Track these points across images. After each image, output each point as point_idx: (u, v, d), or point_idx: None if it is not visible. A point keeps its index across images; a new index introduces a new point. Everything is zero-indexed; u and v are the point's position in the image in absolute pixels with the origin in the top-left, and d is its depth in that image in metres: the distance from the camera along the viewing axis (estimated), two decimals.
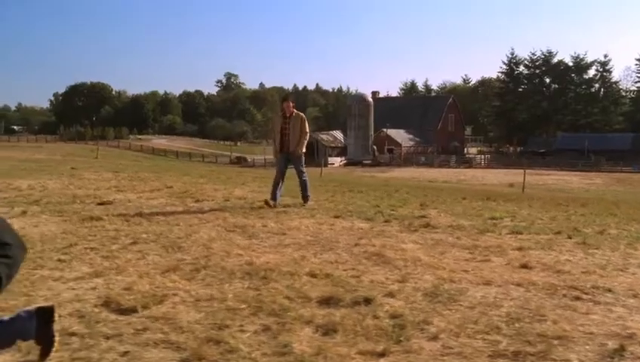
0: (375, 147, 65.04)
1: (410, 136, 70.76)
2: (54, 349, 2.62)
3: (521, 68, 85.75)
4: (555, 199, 12.65)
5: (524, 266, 4.50)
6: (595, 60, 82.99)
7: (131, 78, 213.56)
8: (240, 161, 62.83)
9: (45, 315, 2.62)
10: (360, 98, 68.17)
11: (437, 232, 6.12)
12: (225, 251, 4.84)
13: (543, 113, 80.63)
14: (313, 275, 4.08)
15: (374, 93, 77.39)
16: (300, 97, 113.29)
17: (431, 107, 76.61)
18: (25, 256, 2.50)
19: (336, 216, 7.11)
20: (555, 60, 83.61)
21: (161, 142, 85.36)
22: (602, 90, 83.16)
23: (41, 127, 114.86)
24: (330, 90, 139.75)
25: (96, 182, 11.56)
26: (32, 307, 2.68)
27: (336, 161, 59.81)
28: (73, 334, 2.90)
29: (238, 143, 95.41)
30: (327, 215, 7.25)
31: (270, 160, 53.41)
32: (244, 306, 3.37)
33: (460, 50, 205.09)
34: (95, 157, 33.49)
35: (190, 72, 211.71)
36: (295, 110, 8.47)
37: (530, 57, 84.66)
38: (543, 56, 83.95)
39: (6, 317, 2.56)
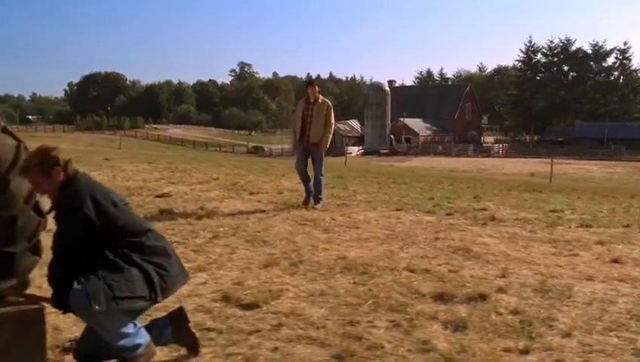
0: (392, 136, 64.79)
1: (428, 125, 70.41)
2: (200, 346, 2.67)
3: (539, 56, 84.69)
4: (599, 190, 12.57)
5: (616, 261, 4.51)
6: (615, 48, 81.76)
7: (145, 68, 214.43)
8: (257, 151, 62.96)
9: (178, 319, 2.66)
10: (377, 87, 67.73)
11: (507, 225, 6.13)
12: (311, 245, 4.89)
13: (561, 102, 79.67)
14: (411, 270, 4.11)
15: (390, 82, 76.92)
16: None
17: (447, 96, 76.08)
18: (184, 281, 2.60)
19: (398, 209, 7.13)
20: (573, 48, 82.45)
21: (176, 131, 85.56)
22: (622, 78, 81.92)
23: (55, 116, 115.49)
24: (344, 79, 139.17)
25: (140, 174, 11.65)
26: (164, 315, 2.71)
27: (354, 150, 59.62)
28: (210, 329, 2.96)
29: (253, 133, 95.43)
30: (387, 208, 7.28)
31: (287, 150, 53.51)
32: (361, 302, 3.41)
33: (475, 39, 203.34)
34: (118, 148, 33.76)
35: (204, 61, 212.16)
36: (321, 96, 7.59)
37: (549, 45, 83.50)
38: (561, 44, 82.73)
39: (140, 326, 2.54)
